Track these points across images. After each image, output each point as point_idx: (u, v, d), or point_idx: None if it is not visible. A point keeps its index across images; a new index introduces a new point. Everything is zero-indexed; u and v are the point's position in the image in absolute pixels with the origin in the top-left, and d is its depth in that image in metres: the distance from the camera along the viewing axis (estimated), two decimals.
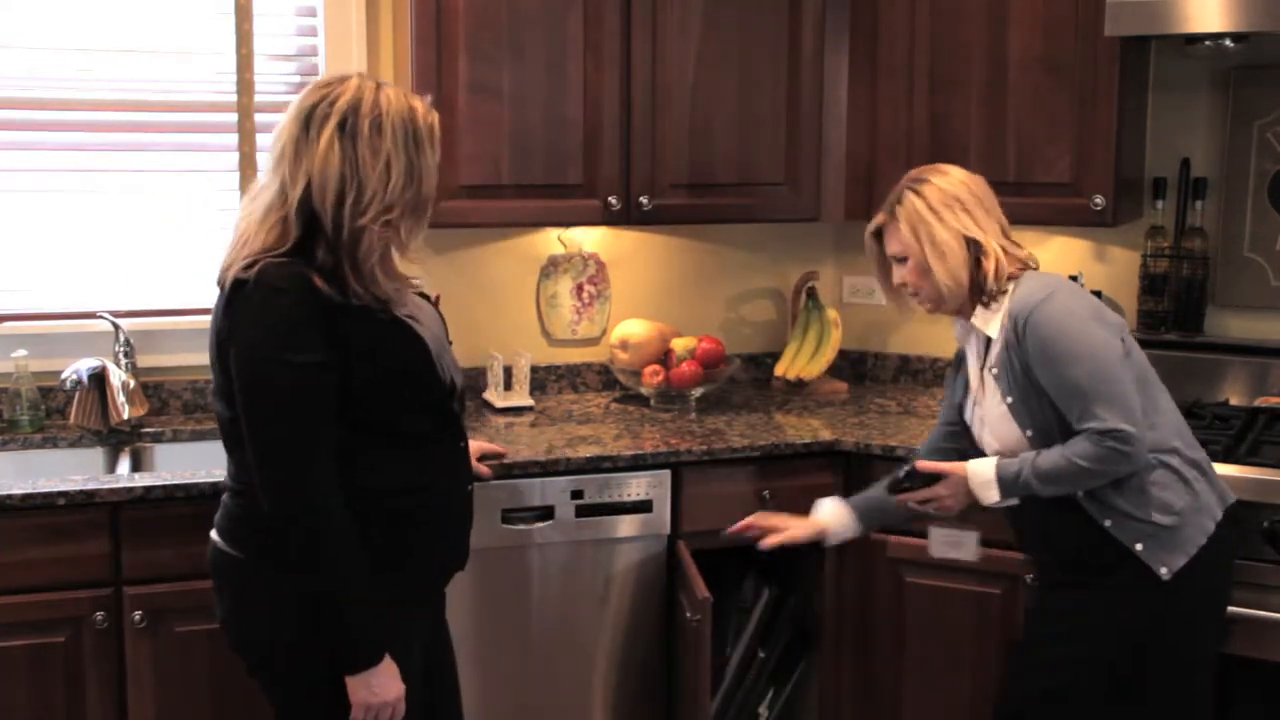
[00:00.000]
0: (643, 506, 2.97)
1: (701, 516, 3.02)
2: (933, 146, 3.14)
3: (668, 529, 3.00)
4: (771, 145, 3.30)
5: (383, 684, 2.13)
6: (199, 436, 3.13)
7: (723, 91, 3.25)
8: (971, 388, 2.54)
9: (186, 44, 3.20)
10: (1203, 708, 2.49)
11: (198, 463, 3.00)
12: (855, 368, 3.77)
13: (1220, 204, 3.26)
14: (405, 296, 2.20)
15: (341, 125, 2.08)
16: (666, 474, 2.98)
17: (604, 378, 3.61)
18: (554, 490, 2.90)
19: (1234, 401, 3.20)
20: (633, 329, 3.45)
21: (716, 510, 3.02)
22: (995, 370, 2.42)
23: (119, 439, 3.08)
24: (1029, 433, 2.39)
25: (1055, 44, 3.05)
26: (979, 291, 2.43)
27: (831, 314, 3.61)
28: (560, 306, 3.56)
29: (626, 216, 3.23)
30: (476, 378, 3.40)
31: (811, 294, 3.64)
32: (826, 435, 3.12)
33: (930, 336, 3.59)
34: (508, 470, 2.85)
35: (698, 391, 3.40)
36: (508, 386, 3.42)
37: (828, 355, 3.59)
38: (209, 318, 3.25)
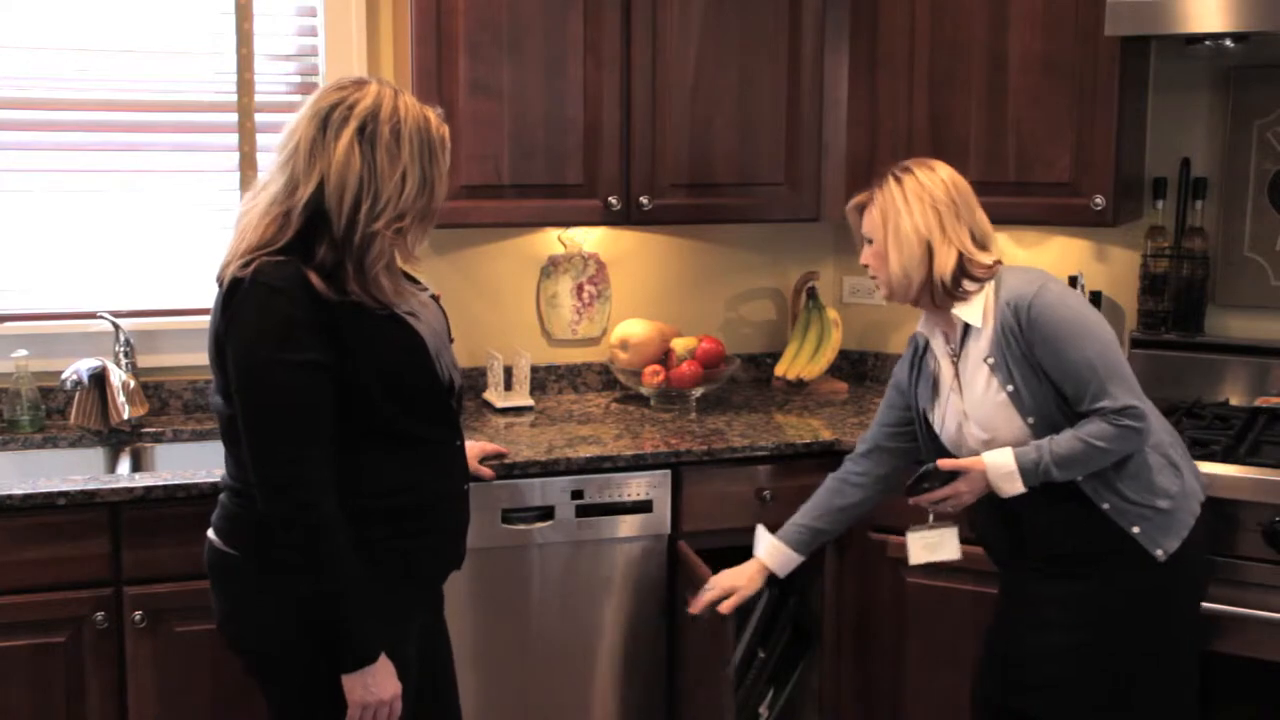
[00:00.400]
0: (643, 506, 2.97)
1: (701, 516, 3.02)
2: (933, 146, 3.13)
3: (668, 529, 3.00)
4: (771, 145, 3.31)
5: (379, 683, 2.13)
6: (199, 436, 3.13)
7: (723, 91, 3.25)
8: (943, 382, 2.54)
9: (186, 44, 3.20)
10: (1190, 693, 2.53)
11: (198, 463, 3.00)
12: (855, 368, 3.77)
13: (1220, 204, 3.26)
14: (405, 295, 2.20)
15: (361, 130, 2.09)
16: (666, 474, 2.98)
17: (604, 378, 3.61)
18: (554, 490, 2.90)
19: (1234, 401, 3.20)
20: (633, 329, 3.45)
21: (716, 510, 3.03)
22: (992, 360, 2.43)
23: (119, 439, 3.08)
24: (1030, 420, 2.41)
25: (1055, 44, 3.05)
26: (932, 290, 2.46)
27: (832, 314, 3.61)
28: (560, 306, 3.56)
29: (626, 216, 3.23)
30: (477, 378, 3.40)
31: (812, 294, 3.64)
32: (826, 435, 3.12)
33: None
34: (508, 470, 2.85)
35: (698, 391, 3.40)
36: (508, 386, 3.42)
37: (828, 355, 3.59)
38: (209, 318, 3.28)
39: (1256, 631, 2.67)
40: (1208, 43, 3.03)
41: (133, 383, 3.10)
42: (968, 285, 2.44)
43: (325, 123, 2.10)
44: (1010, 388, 2.41)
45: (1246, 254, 3.25)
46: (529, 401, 3.38)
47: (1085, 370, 2.35)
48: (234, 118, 3.17)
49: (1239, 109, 3.21)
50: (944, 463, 2.46)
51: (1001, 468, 2.40)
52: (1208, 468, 2.70)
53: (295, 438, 2.06)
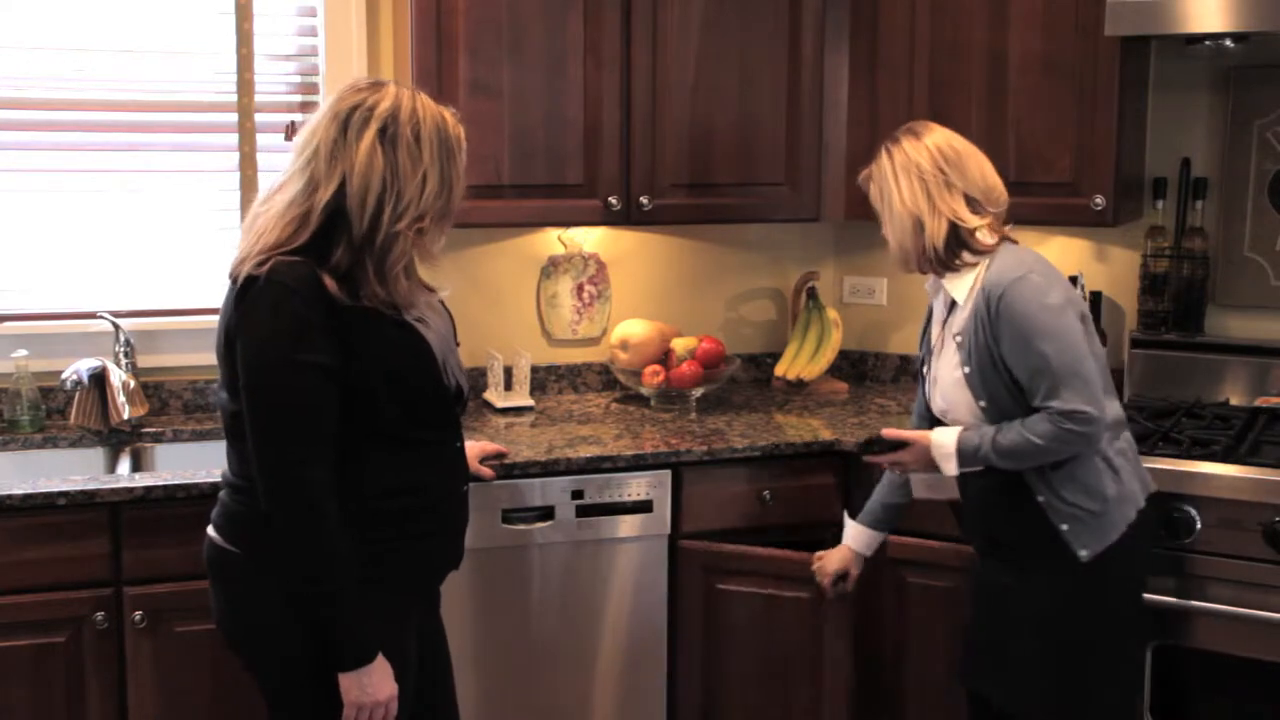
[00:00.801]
0: (643, 506, 2.97)
1: (701, 516, 3.02)
2: None
3: (668, 529, 3.00)
4: (771, 145, 3.31)
5: (375, 683, 2.13)
6: (199, 436, 3.13)
7: (723, 91, 3.25)
8: (933, 343, 2.60)
9: (186, 44, 3.20)
10: (1130, 692, 2.56)
11: (198, 463, 3.00)
12: (855, 368, 3.77)
13: (1220, 204, 3.26)
14: (418, 299, 2.21)
15: (382, 131, 2.10)
16: (667, 474, 2.98)
17: (604, 378, 3.61)
18: (554, 490, 2.90)
19: (1234, 401, 3.20)
20: (633, 329, 3.45)
21: (716, 510, 3.03)
22: (959, 337, 2.47)
23: (119, 439, 3.08)
24: (982, 403, 2.45)
25: (1055, 44, 3.05)
26: (931, 259, 2.48)
27: (832, 314, 3.61)
28: (560, 306, 3.56)
29: (626, 216, 3.23)
30: (477, 378, 3.40)
31: (812, 294, 3.64)
32: (826, 435, 3.12)
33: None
34: (508, 470, 2.85)
35: (698, 391, 3.40)
36: (508, 387, 3.42)
37: (828, 355, 3.59)
38: (209, 318, 3.26)
39: (1257, 632, 2.67)
40: (1208, 43, 3.03)
41: (133, 383, 3.10)
42: (966, 256, 2.46)
43: (346, 124, 2.11)
44: (967, 369, 2.45)
45: (1246, 254, 3.25)
46: (529, 401, 3.38)
47: (1040, 367, 2.36)
48: (234, 118, 3.17)
49: (1239, 109, 3.21)
50: (889, 432, 2.56)
51: (942, 447, 2.47)
52: (1208, 468, 2.71)
53: (301, 437, 2.06)
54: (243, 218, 3.13)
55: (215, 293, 3.26)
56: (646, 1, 3.15)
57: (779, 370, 3.64)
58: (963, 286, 2.48)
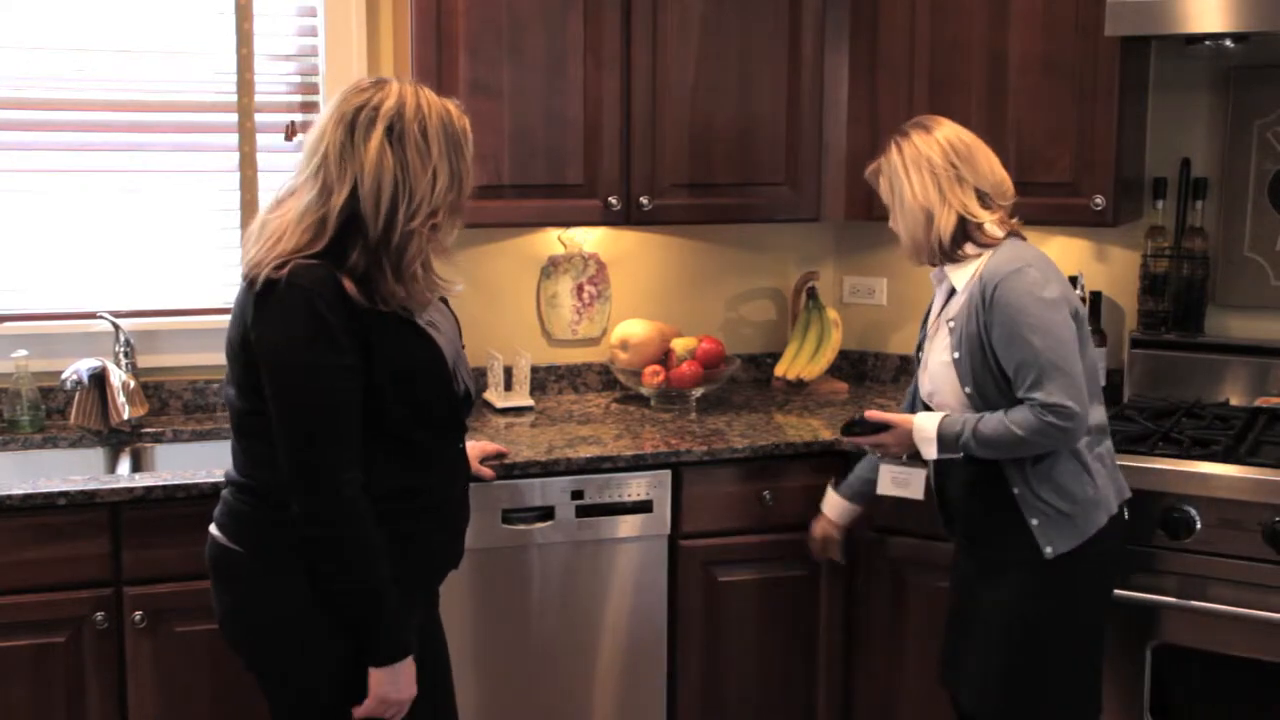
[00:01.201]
0: (643, 507, 2.97)
1: (701, 516, 3.02)
2: None
3: (668, 529, 3.00)
4: (771, 145, 3.30)
5: (404, 681, 2.15)
6: (199, 436, 3.13)
7: (723, 91, 3.25)
8: (928, 328, 2.63)
9: (186, 44, 3.20)
10: (1086, 704, 2.57)
11: (198, 463, 3.00)
12: (855, 368, 3.77)
13: (1220, 204, 3.26)
14: (434, 296, 2.21)
15: (389, 130, 2.09)
16: (667, 474, 2.98)
17: (604, 378, 3.61)
18: (554, 490, 2.90)
19: (1234, 401, 3.20)
20: (633, 329, 3.45)
21: (716, 510, 3.03)
22: (952, 323, 2.50)
23: (119, 439, 3.08)
24: (968, 389, 2.48)
25: (1055, 44, 3.05)
26: (935, 250, 2.51)
27: (832, 314, 3.61)
28: (560, 306, 3.56)
29: (626, 216, 3.23)
30: (477, 378, 3.39)
31: (812, 294, 3.64)
32: (826, 435, 3.12)
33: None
34: (508, 470, 2.85)
35: (698, 391, 3.40)
36: (508, 387, 3.42)
37: (828, 355, 3.59)
38: (209, 318, 3.27)
39: (1257, 632, 2.67)
40: (1208, 43, 3.03)
41: (133, 383, 3.10)
42: (969, 249, 2.49)
43: (352, 126, 2.10)
44: (956, 354, 2.48)
45: (1246, 254, 3.25)
46: (529, 402, 3.38)
47: (1027, 358, 2.38)
48: (234, 118, 3.17)
49: (1239, 109, 3.21)
50: (872, 414, 2.59)
51: (924, 431, 2.50)
52: (1208, 468, 2.71)
53: (332, 438, 2.07)
54: (243, 218, 3.17)
55: (215, 293, 3.29)
56: (646, 1, 3.15)
57: (779, 370, 3.63)
58: (963, 275, 2.51)
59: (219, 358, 3.15)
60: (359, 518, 2.08)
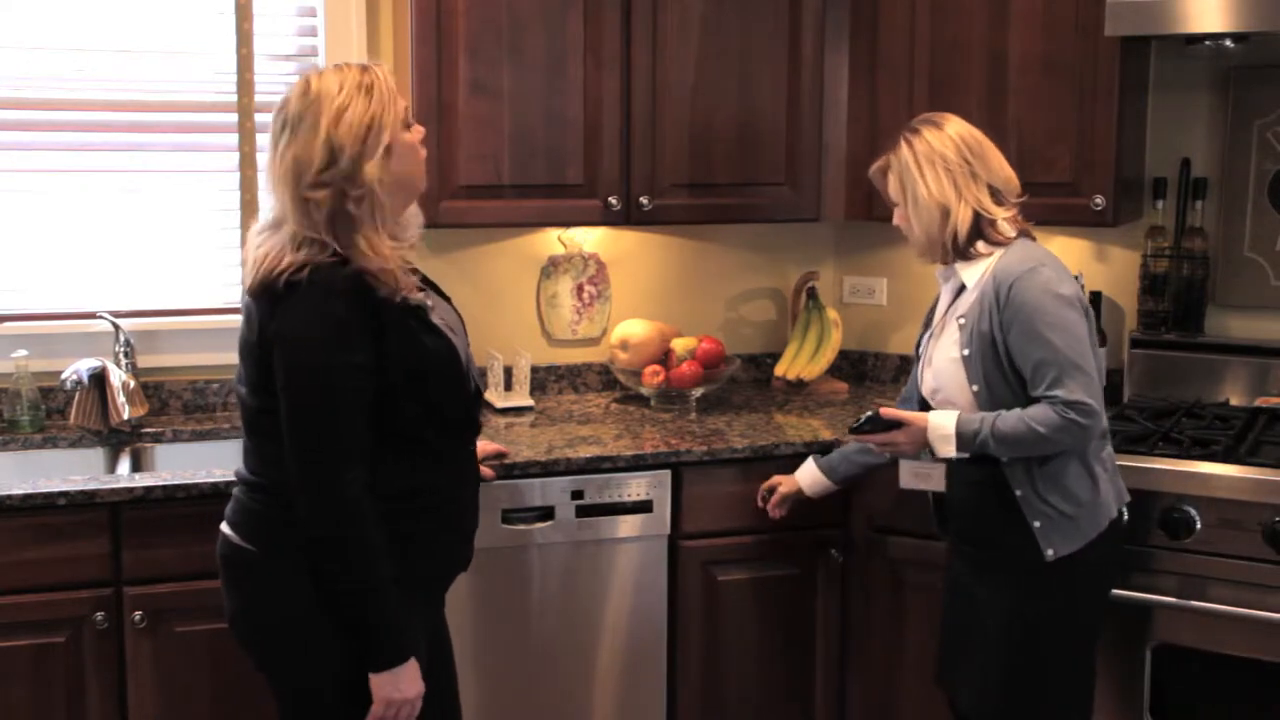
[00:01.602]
0: (643, 507, 2.97)
1: (701, 516, 3.02)
2: None
3: (668, 529, 3.00)
4: (771, 145, 3.30)
5: (409, 681, 2.15)
6: (199, 436, 3.13)
7: (723, 91, 3.25)
8: (933, 324, 2.61)
9: (186, 44, 3.20)
10: (1089, 698, 2.58)
11: (198, 463, 3.00)
12: (855, 368, 3.77)
13: (1220, 204, 3.26)
14: (411, 279, 2.20)
15: (283, 124, 2.15)
16: (666, 474, 2.98)
17: (604, 378, 3.61)
18: (554, 490, 2.90)
19: (1234, 401, 3.20)
20: (633, 329, 3.45)
21: (716, 510, 3.03)
22: (963, 320, 2.48)
23: (119, 439, 3.08)
24: (975, 387, 2.46)
25: (1055, 44, 3.05)
26: (948, 248, 2.50)
27: (832, 314, 3.61)
28: (560, 306, 3.56)
29: (626, 216, 3.23)
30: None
31: (812, 294, 3.64)
32: (826, 435, 3.12)
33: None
34: (508, 470, 2.85)
35: (698, 391, 3.40)
36: (508, 387, 3.42)
37: (828, 355, 3.59)
38: (209, 318, 3.26)
39: (1257, 631, 2.67)
40: (1208, 43, 3.03)
41: (133, 383, 3.10)
42: (980, 246, 2.48)
43: (273, 138, 2.17)
44: (966, 351, 2.46)
45: (1246, 254, 3.25)
46: (529, 402, 3.38)
47: (1047, 357, 2.38)
48: (234, 118, 3.17)
49: (1239, 109, 3.21)
50: (888, 411, 2.55)
51: (941, 429, 2.47)
52: (1208, 468, 2.70)
53: (340, 438, 2.08)
54: (243, 218, 3.17)
55: (215, 293, 3.29)
56: (646, 1, 3.15)
57: (779, 370, 3.63)
58: (974, 273, 2.50)
59: (219, 358, 3.19)
60: (362, 518, 2.09)
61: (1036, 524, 2.44)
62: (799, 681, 3.16)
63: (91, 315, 3.15)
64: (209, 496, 2.61)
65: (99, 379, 3.05)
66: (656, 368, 3.39)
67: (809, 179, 3.34)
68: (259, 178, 3.17)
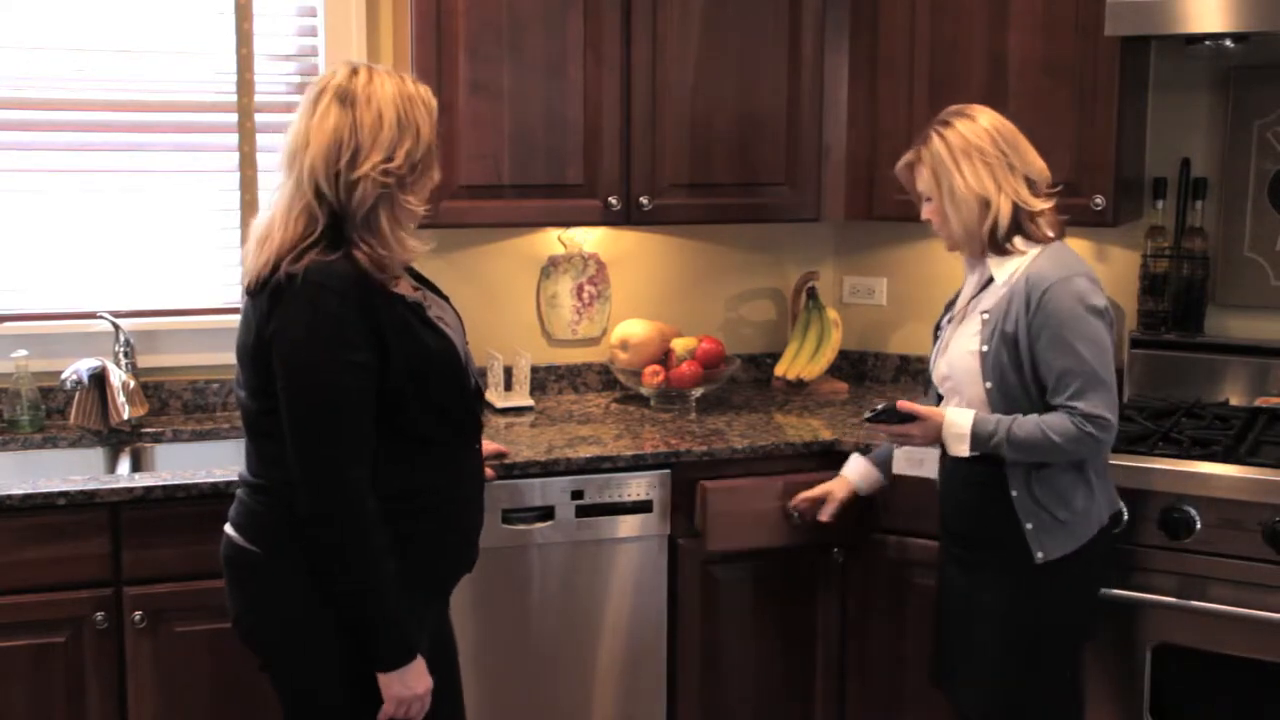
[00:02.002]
0: (643, 507, 2.97)
1: (729, 531, 3.01)
2: None
3: (668, 529, 3.00)
4: (771, 145, 3.30)
5: (416, 679, 2.15)
6: (199, 436, 3.13)
7: (723, 91, 3.25)
8: (954, 311, 2.60)
9: (186, 44, 3.20)
10: (1068, 706, 2.59)
11: (198, 463, 3.00)
12: (855, 368, 3.77)
13: (1220, 204, 3.26)
14: (405, 257, 2.20)
15: (340, 97, 2.11)
16: (666, 474, 2.98)
17: (604, 378, 3.61)
18: (554, 490, 2.90)
19: (1234, 401, 3.20)
20: (633, 329, 3.45)
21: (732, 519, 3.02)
22: (987, 315, 2.47)
23: (119, 439, 3.08)
24: (988, 384, 2.46)
25: (1055, 44, 3.05)
26: (986, 241, 2.48)
27: (832, 314, 3.61)
28: (560, 306, 3.56)
29: (626, 216, 3.23)
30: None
31: (812, 294, 3.64)
32: (826, 435, 3.12)
33: (931, 337, 3.59)
34: (508, 470, 2.85)
35: (698, 391, 3.40)
36: (508, 387, 3.42)
37: (828, 355, 3.59)
38: (209, 318, 3.26)
39: (1257, 631, 2.67)
40: (1208, 43, 3.03)
41: (133, 383, 3.10)
42: (1018, 242, 2.47)
43: (312, 104, 2.13)
44: (985, 348, 2.46)
45: (1246, 254, 3.25)
46: (529, 402, 3.38)
47: (1073, 367, 2.37)
48: (234, 118, 3.17)
49: (1239, 109, 3.21)
50: (905, 405, 2.54)
51: (956, 426, 2.47)
52: (1208, 468, 2.70)
53: (341, 436, 2.07)
54: (243, 218, 3.17)
55: (215, 293, 3.29)
56: (646, 1, 3.15)
57: (779, 370, 3.63)
58: (1005, 269, 2.48)
59: (219, 358, 3.19)
60: (364, 518, 2.09)
61: (1029, 526, 2.44)
62: (799, 681, 3.16)
63: (91, 315, 3.15)
64: (209, 496, 2.62)
65: (99, 379, 3.05)
66: (656, 368, 3.39)
67: (809, 179, 3.34)
68: (257, 174, 3.17)
